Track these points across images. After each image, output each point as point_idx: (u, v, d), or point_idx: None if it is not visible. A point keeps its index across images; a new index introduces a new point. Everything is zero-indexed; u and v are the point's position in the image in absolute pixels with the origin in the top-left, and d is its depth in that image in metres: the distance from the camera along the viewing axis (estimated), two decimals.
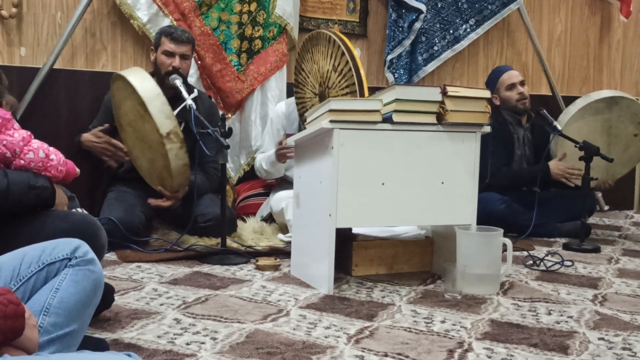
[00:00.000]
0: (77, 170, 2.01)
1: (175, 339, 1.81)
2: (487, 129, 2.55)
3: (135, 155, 3.04)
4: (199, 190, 3.05)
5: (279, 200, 3.32)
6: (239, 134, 3.79)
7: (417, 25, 4.14)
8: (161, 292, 2.28)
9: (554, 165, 3.68)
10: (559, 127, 3.46)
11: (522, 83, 3.82)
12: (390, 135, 2.39)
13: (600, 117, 3.75)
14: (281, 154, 3.31)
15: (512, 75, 3.83)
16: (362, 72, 2.48)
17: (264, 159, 3.47)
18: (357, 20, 4.14)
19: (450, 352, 1.78)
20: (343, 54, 2.48)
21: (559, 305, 2.28)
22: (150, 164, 2.91)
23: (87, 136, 3.18)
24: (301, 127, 3.16)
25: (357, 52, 2.58)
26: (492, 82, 3.90)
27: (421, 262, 2.76)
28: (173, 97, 3.21)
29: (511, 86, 3.79)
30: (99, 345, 1.65)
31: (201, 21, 3.61)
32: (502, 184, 3.62)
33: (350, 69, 2.47)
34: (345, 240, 2.64)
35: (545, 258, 2.93)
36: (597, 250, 3.27)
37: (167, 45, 3.18)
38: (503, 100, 3.83)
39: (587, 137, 3.51)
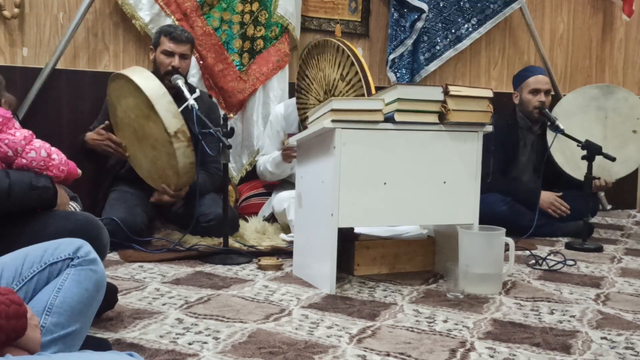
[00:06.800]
0: (79, 171, 2.01)
1: (178, 338, 1.81)
2: (489, 128, 2.54)
3: (132, 154, 3.04)
4: (201, 190, 3.05)
5: (281, 200, 3.32)
6: (241, 134, 3.79)
7: (419, 24, 4.14)
8: (163, 292, 2.28)
9: (545, 194, 3.64)
10: (561, 127, 3.46)
11: (547, 92, 3.72)
12: (392, 134, 2.39)
13: (595, 104, 3.76)
14: (286, 154, 3.30)
15: (540, 81, 3.74)
16: (372, 84, 2.48)
17: (268, 161, 3.46)
18: (359, 19, 4.14)
19: (453, 351, 1.78)
20: (352, 64, 2.48)
21: (561, 304, 2.28)
22: (152, 163, 2.91)
23: (90, 134, 3.18)
24: (301, 129, 3.15)
25: (359, 52, 2.57)
26: (518, 80, 3.84)
27: (423, 261, 2.76)
28: (173, 97, 3.21)
29: (535, 91, 3.71)
30: (102, 345, 1.66)
31: (203, 21, 3.61)
32: (494, 189, 3.58)
33: (359, 80, 2.47)
34: (347, 239, 2.64)
35: (548, 257, 2.93)
36: (599, 249, 3.27)
37: (167, 44, 3.18)
38: (522, 102, 3.77)
39: (580, 123, 3.56)
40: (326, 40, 2.63)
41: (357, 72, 2.47)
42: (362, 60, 2.51)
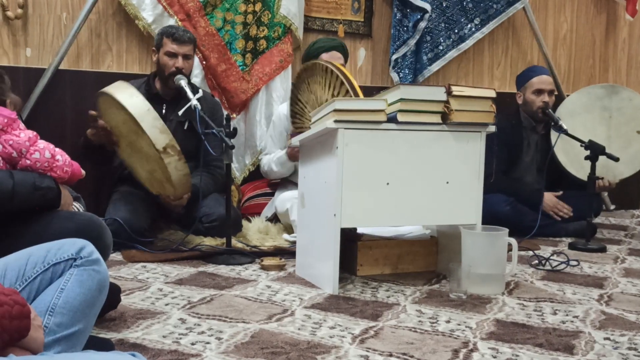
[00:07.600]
0: (83, 171, 2.01)
1: (181, 338, 1.82)
2: (492, 128, 2.54)
3: (131, 164, 3.02)
4: (203, 191, 3.05)
5: (284, 201, 3.32)
6: (244, 134, 3.80)
7: (422, 24, 4.13)
8: (166, 292, 2.29)
9: (548, 197, 3.64)
10: (565, 127, 3.45)
11: (550, 92, 3.71)
12: (394, 135, 2.39)
13: (600, 104, 3.76)
14: (293, 154, 3.30)
15: (543, 81, 3.72)
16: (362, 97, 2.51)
17: (272, 161, 3.47)
18: (362, 19, 4.14)
19: (455, 352, 1.78)
20: (342, 83, 2.50)
21: (564, 305, 2.28)
22: (150, 174, 2.90)
23: (88, 131, 3.13)
24: None
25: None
26: (522, 80, 3.83)
27: (426, 262, 2.76)
28: (176, 97, 3.21)
29: (539, 92, 3.70)
30: (104, 345, 1.66)
31: (206, 21, 3.61)
32: (497, 189, 3.58)
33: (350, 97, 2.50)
34: (350, 240, 2.64)
35: (551, 258, 2.93)
36: (602, 249, 3.26)
37: (170, 46, 3.18)
38: (526, 102, 3.76)
39: (584, 123, 3.57)
40: (314, 64, 2.65)
41: (347, 91, 2.49)
42: (351, 77, 2.53)
